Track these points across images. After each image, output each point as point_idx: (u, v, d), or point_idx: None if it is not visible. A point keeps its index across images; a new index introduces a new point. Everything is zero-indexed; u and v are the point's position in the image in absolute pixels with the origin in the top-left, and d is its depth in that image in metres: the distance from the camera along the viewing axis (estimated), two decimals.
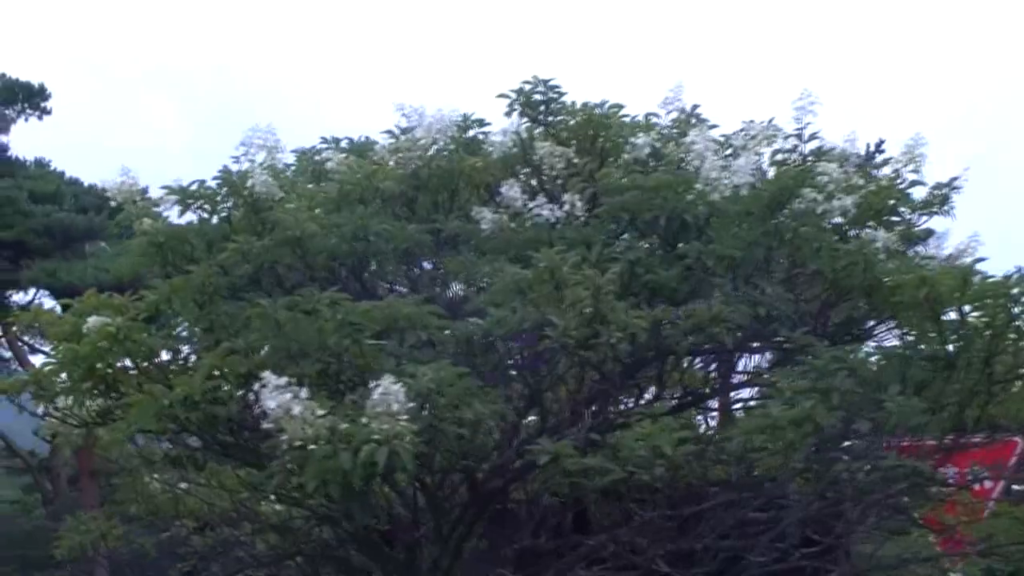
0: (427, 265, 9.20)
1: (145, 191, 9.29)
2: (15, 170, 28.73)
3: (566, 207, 8.68)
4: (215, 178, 9.08)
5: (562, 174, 8.97)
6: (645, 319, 7.66)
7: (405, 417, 6.68)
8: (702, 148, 8.79)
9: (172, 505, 11.55)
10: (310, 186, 9.27)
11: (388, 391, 6.60)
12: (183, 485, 11.54)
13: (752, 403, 9.45)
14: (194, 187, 9.12)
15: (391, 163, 9.21)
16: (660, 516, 8.61)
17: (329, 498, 7.04)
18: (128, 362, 8.51)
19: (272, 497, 10.88)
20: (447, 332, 7.95)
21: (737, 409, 9.07)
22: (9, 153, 29.45)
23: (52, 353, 8.89)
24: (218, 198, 9.10)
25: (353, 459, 6.71)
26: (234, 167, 9.07)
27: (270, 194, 8.80)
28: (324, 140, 10.16)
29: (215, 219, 9.15)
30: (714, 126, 9.50)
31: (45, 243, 27.04)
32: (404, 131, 9.18)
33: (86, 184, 29.83)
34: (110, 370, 8.39)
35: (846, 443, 8.30)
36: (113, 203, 9.29)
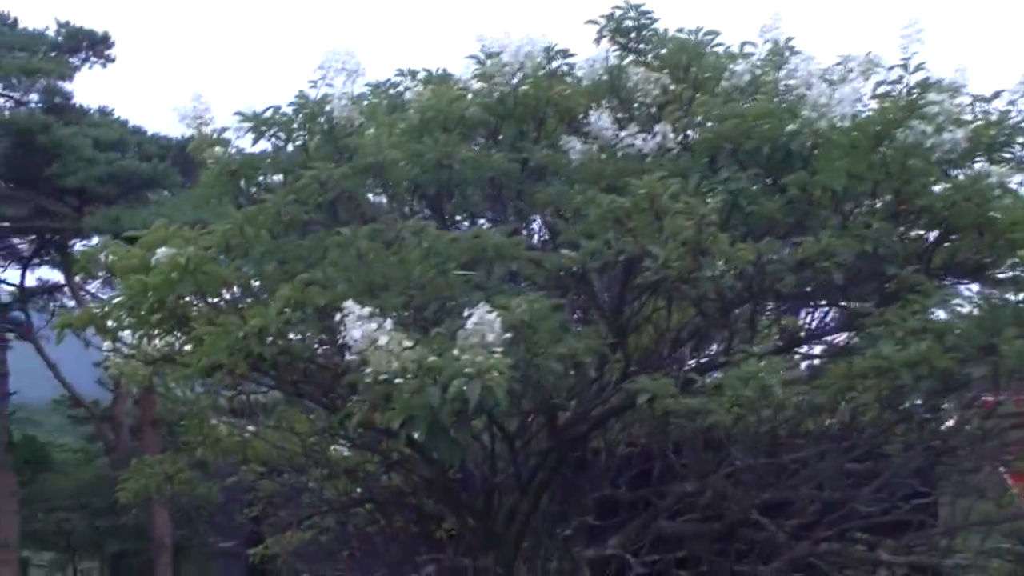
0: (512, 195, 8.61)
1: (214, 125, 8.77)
2: (78, 118, 28.38)
3: (658, 138, 8.08)
4: (291, 104, 8.54)
5: (657, 101, 8.36)
6: (750, 252, 7.07)
7: (499, 349, 6.14)
8: (806, 75, 8.15)
9: (239, 449, 11.08)
10: (391, 115, 8.70)
11: (483, 320, 6.06)
12: (251, 429, 11.09)
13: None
14: (268, 113, 8.59)
15: (475, 90, 8.61)
16: (758, 463, 8.03)
17: (410, 440, 6.54)
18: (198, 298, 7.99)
19: (343, 442, 10.45)
20: (542, 265, 7.40)
21: (838, 354, 8.43)
22: (72, 101, 29.10)
23: (119, 287, 8.38)
24: (294, 125, 8.57)
25: (442, 395, 6.19)
26: (311, 92, 8.50)
27: (349, 119, 8.26)
28: (400, 72, 9.59)
29: (290, 147, 8.61)
30: (809, 58, 8.83)
31: (108, 190, 26.68)
32: (489, 56, 8.58)
33: (149, 133, 29.47)
34: (181, 303, 7.87)
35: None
36: (184, 131, 8.74)
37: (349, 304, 6.40)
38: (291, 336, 7.42)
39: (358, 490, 10.86)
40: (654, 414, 7.29)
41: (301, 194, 7.93)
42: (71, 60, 28.89)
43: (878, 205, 8.12)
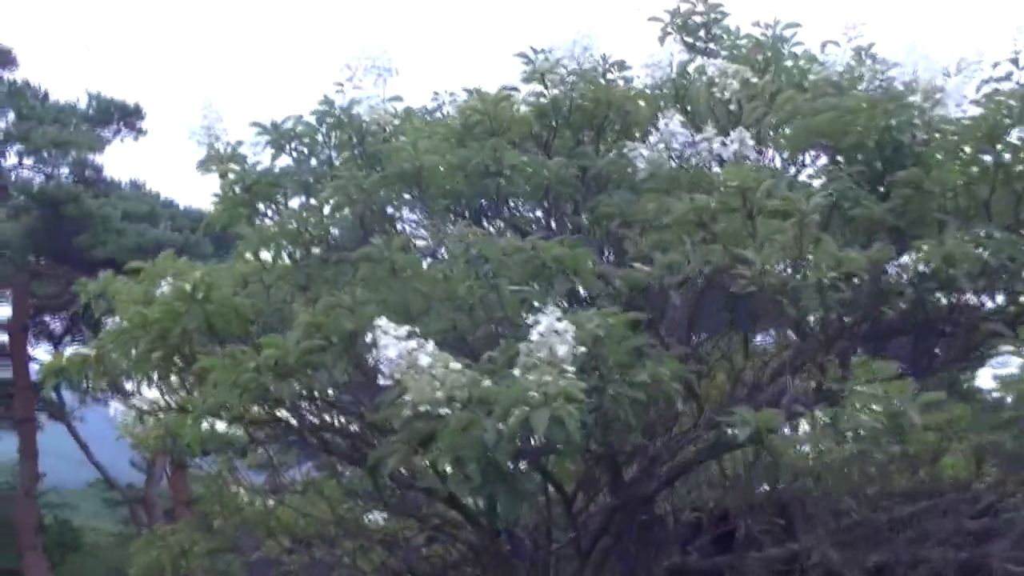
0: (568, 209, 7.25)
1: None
2: (110, 190, 27.27)
3: (735, 145, 6.74)
4: (314, 112, 7.28)
5: (737, 96, 7.04)
6: (861, 258, 5.72)
7: (571, 369, 4.78)
8: (912, 63, 6.83)
9: (263, 519, 9.69)
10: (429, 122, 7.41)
11: (553, 329, 4.70)
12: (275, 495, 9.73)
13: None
14: (289, 124, 7.33)
15: (524, 93, 7.31)
16: (873, 518, 6.60)
17: (453, 500, 5.17)
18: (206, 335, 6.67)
19: (377, 508, 9.09)
20: (610, 282, 6.05)
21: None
22: (103, 174, 27.99)
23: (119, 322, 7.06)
24: (318, 136, 7.30)
25: (498, 428, 4.84)
26: (337, 98, 7.24)
27: (380, 124, 6.98)
28: (436, 95, 8.26)
29: (313, 162, 7.34)
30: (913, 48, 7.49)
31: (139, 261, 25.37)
32: (539, 53, 7.27)
33: (182, 207, 28.33)
34: (186, 339, 6.56)
35: None
36: (194, 146, 7.47)
37: (382, 321, 5.07)
38: (312, 372, 6.05)
39: (396, 562, 9.43)
40: (750, 459, 5.89)
41: (325, 206, 6.63)
42: (102, 133, 27.82)
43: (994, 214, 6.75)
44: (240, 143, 7.38)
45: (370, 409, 5.69)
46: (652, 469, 7.49)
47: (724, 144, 6.71)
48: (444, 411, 4.85)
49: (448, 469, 4.91)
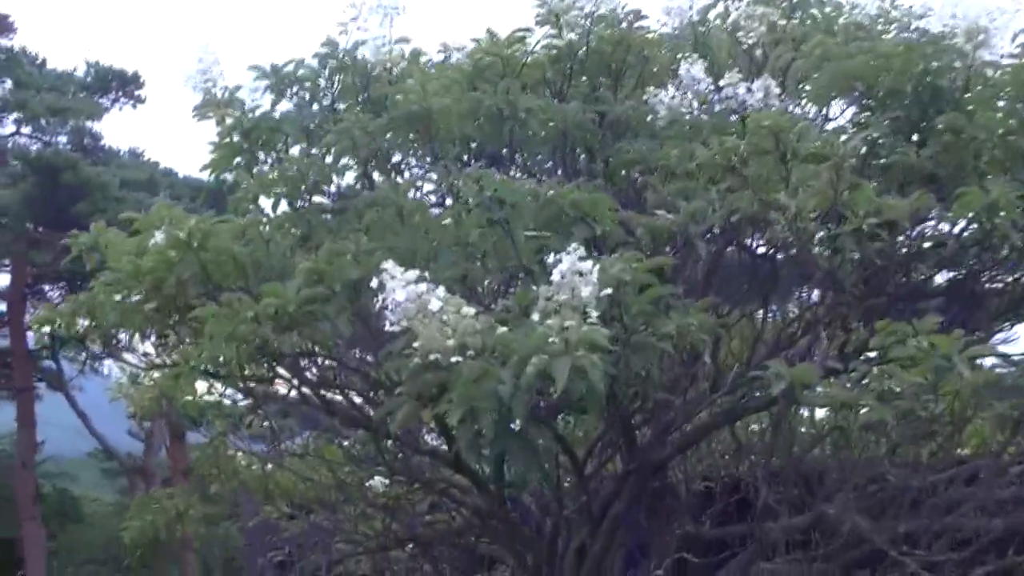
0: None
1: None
2: (108, 159, 26.83)
3: (759, 93, 6.31)
4: (316, 55, 6.86)
5: (763, 41, 6.62)
6: (903, 205, 5.31)
7: (596, 314, 4.36)
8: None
9: (261, 483, 9.28)
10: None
11: (576, 270, 4.29)
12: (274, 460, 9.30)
13: None
14: (290, 68, 6.90)
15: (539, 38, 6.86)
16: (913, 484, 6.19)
17: (459, 461, 4.76)
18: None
19: (380, 471, 8.67)
20: (632, 231, 5.64)
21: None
22: (102, 142, 27.54)
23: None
24: (320, 80, 6.87)
25: (515, 379, 4.44)
26: (341, 41, 6.81)
27: (386, 65, 6.56)
28: (444, 48, 7.77)
29: (316, 107, 6.91)
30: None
31: None
32: None
33: (181, 176, 27.90)
34: (180, 289, 6.15)
35: None
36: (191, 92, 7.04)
37: (389, 264, 4.65)
38: (314, 324, 5.63)
39: (399, 529, 9.03)
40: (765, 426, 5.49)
41: (327, 155, 6.21)
42: (100, 101, 27.36)
43: None
44: (238, 88, 6.96)
45: (375, 362, 5.28)
46: (665, 435, 7.11)
47: (749, 91, 6.31)
48: (456, 359, 4.44)
49: (457, 423, 4.48)
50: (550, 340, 4.29)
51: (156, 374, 7.28)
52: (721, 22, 7.16)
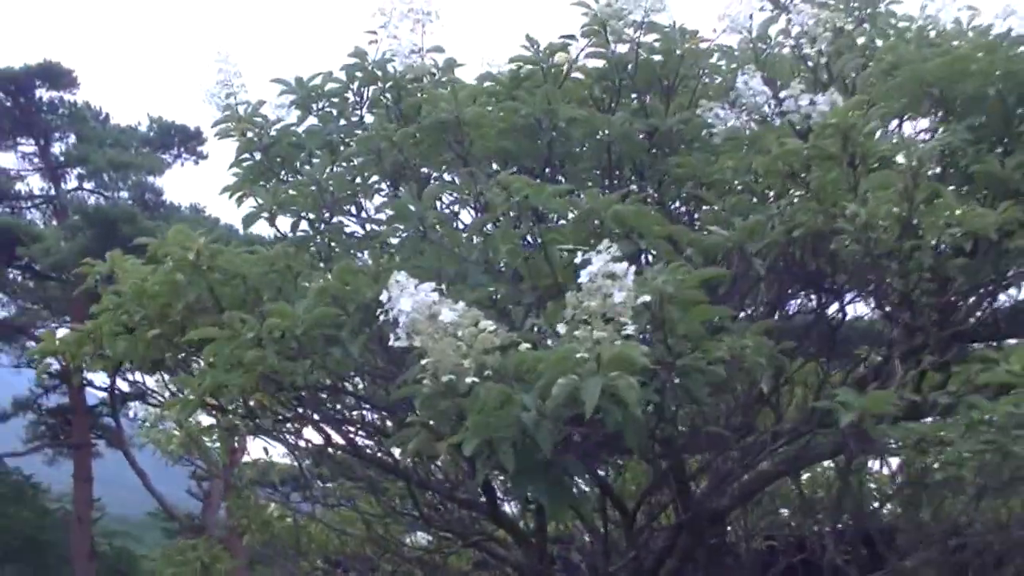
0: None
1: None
2: (169, 213, 26.57)
3: (823, 106, 5.62)
4: (344, 68, 6.29)
5: (829, 51, 5.96)
6: (989, 216, 4.61)
7: (632, 327, 3.69)
8: None
9: (293, 536, 8.67)
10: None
11: (607, 272, 3.63)
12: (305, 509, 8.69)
13: None
14: (317, 81, 6.34)
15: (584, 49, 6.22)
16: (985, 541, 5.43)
17: (492, 499, 4.11)
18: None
19: (419, 528, 8.02)
20: (678, 247, 4.97)
21: None
22: (163, 197, 27.30)
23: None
24: (348, 94, 6.31)
25: (539, 403, 3.78)
26: (370, 51, 6.23)
27: (417, 73, 5.97)
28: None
29: (343, 122, 6.34)
30: None
31: None
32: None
33: (242, 232, 27.48)
34: (189, 314, 5.56)
35: None
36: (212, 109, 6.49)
37: (400, 275, 4.03)
38: (325, 350, 5.01)
39: None
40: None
41: (349, 164, 5.63)
42: (163, 156, 27.17)
43: None
44: (262, 103, 6.41)
45: (392, 389, 4.65)
46: (723, 485, 6.40)
47: (812, 103, 5.64)
48: (472, 380, 3.79)
49: (473, 455, 3.83)
50: (578, 356, 3.63)
51: (169, 412, 6.70)
52: (783, 37, 6.52)
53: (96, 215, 23.78)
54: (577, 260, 4.56)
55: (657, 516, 6.95)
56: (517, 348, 3.83)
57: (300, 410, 5.90)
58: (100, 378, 30.45)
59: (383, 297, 4.12)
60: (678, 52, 6.14)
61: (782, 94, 5.82)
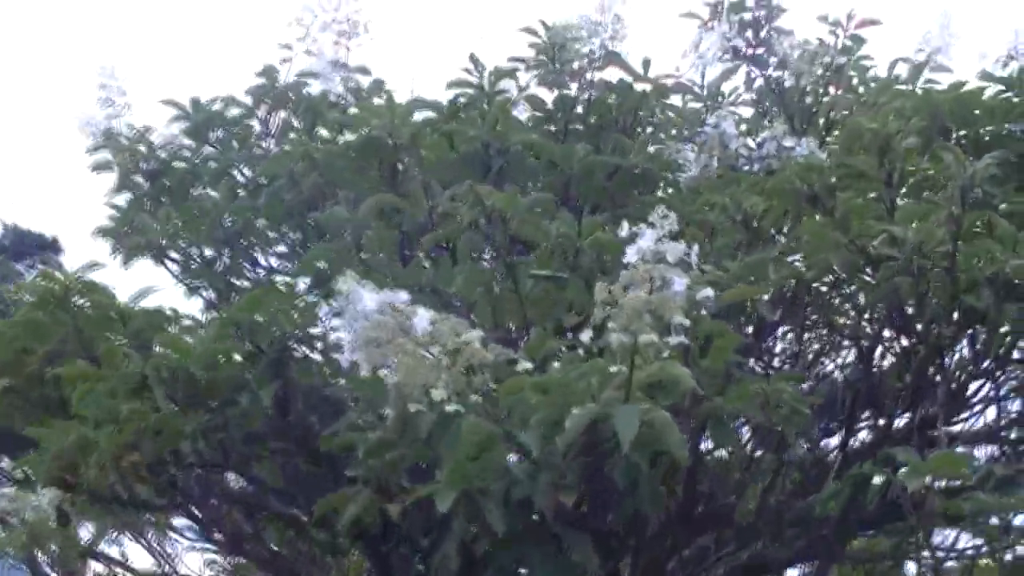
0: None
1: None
2: None
3: (805, 145, 4.70)
4: (251, 89, 5.23)
5: (808, 69, 5.09)
6: None
7: (680, 337, 2.63)
8: None
9: None
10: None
11: (658, 251, 2.58)
12: None
13: None
14: (217, 106, 5.25)
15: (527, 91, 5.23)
16: None
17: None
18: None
19: None
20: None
21: None
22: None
23: None
24: (254, 121, 5.24)
25: (542, 439, 2.71)
26: (283, 70, 5.19)
27: (341, 98, 4.94)
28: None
29: (244, 152, 5.24)
30: None
31: None
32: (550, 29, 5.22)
33: None
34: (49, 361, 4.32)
35: None
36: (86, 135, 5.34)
37: (351, 274, 2.93)
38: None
39: None
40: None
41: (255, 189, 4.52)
42: (16, 265, 25.45)
43: None
44: (149, 130, 5.28)
45: (324, 435, 3.48)
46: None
47: (799, 144, 4.75)
48: (452, 409, 2.69)
49: (449, 512, 2.72)
50: (611, 370, 2.56)
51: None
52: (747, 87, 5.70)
53: None
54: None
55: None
56: (514, 368, 2.74)
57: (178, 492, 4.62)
58: None
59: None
60: (639, 89, 5.20)
61: (762, 135, 4.95)
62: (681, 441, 2.64)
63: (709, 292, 2.65)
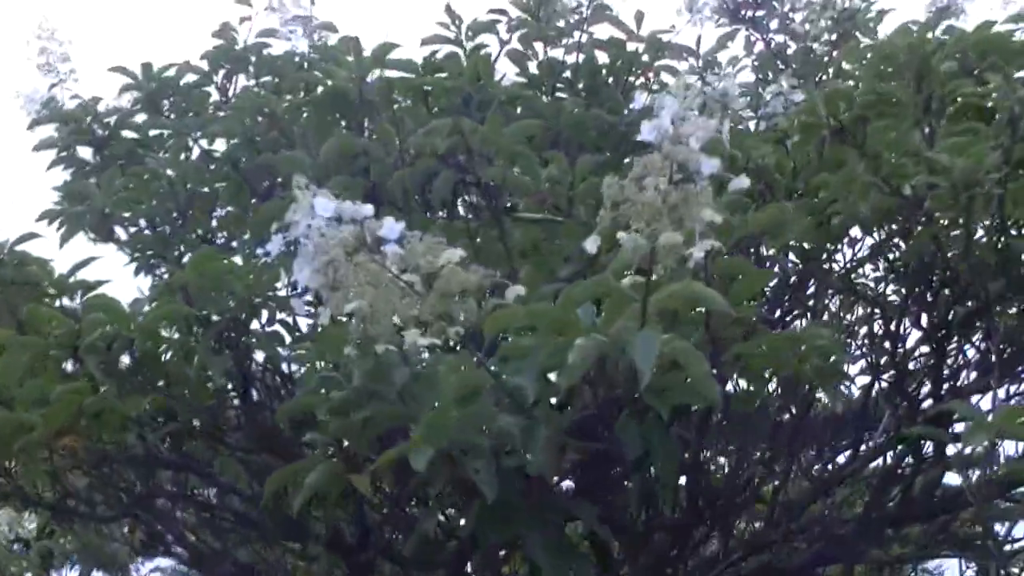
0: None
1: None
2: None
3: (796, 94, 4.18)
4: (207, 53, 4.70)
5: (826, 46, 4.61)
6: None
7: (709, 241, 2.10)
8: None
9: None
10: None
11: (687, 122, 2.04)
12: None
13: None
14: (171, 72, 4.72)
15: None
16: None
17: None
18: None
19: None
20: None
21: None
22: None
23: None
24: (211, 88, 4.71)
25: (542, 382, 2.17)
26: (241, 31, 4.68)
27: (309, 51, 4.43)
28: None
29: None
30: None
31: None
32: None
33: None
34: None
35: None
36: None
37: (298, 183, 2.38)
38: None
39: None
40: None
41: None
42: None
43: None
44: (97, 100, 4.75)
45: (280, 409, 2.93)
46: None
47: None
48: (427, 342, 2.14)
49: (424, 471, 2.17)
50: (623, 282, 2.03)
51: None
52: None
53: None
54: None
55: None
56: (509, 298, 2.20)
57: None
58: None
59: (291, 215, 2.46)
60: (632, 48, 4.70)
61: (768, 89, 4.44)
62: (711, 378, 2.10)
63: (745, 181, 2.09)
